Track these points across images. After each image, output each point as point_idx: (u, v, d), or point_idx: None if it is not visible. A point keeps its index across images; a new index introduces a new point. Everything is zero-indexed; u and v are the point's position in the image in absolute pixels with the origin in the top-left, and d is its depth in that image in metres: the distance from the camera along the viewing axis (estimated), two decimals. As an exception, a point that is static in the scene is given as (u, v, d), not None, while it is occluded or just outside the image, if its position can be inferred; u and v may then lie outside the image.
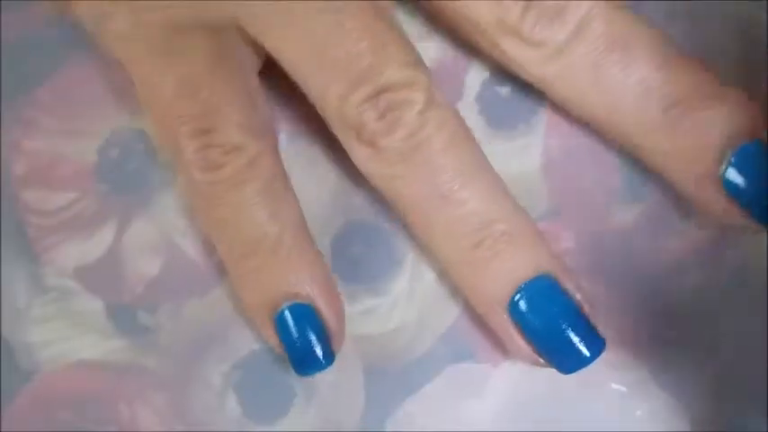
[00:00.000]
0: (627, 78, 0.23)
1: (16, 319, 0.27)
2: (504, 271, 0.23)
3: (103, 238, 0.27)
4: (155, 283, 0.27)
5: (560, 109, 0.26)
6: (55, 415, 0.26)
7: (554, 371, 0.25)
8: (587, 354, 0.23)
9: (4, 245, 0.27)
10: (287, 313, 0.24)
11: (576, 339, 0.23)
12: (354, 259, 0.26)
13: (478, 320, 0.26)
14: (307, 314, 0.24)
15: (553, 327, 0.23)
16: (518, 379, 0.26)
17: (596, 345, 0.23)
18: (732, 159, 0.23)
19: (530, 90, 0.27)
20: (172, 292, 0.27)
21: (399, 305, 0.26)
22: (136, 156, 0.27)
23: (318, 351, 0.24)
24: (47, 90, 0.28)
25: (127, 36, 0.24)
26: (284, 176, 0.25)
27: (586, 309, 0.24)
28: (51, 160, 0.27)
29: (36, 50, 0.28)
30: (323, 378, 0.26)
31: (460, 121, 0.24)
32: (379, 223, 0.27)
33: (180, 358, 0.26)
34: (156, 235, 0.27)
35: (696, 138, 0.23)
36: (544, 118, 0.27)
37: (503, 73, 0.27)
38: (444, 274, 0.26)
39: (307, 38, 0.23)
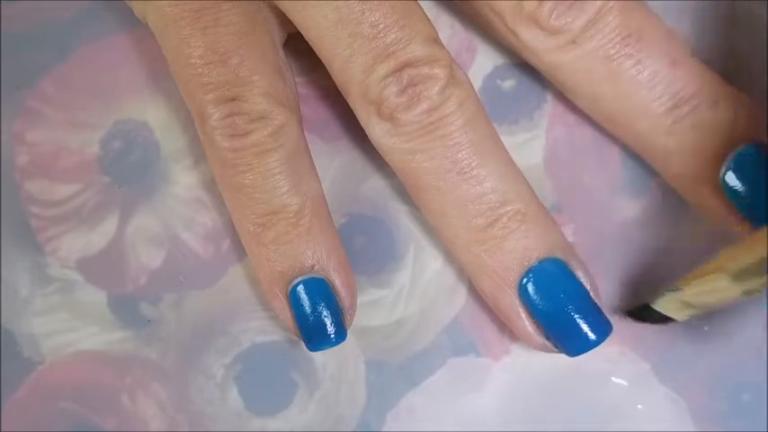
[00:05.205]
0: (638, 73, 0.23)
1: (19, 310, 0.27)
2: (517, 251, 0.23)
3: (106, 230, 0.27)
4: (157, 275, 0.27)
5: (563, 104, 0.26)
6: (57, 405, 0.26)
7: (555, 365, 0.25)
8: (594, 337, 0.23)
9: (7, 236, 0.27)
10: (302, 287, 0.24)
11: (583, 322, 0.23)
12: (357, 251, 0.26)
13: (480, 314, 0.26)
14: (322, 289, 0.24)
15: (561, 309, 0.23)
16: (519, 373, 0.26)
17: (603, 328, 0.24)
18: (732, 164, 0.23)
19: (532, 85, 0.27)
20: (174, 283, 0.27)
21: (402, 298, 0.26)
22: (138, 148, 0.27)
23: (332, 327, 0.24)
24: (50, 82, 0.28)
25: (160, 6, 0.24)
26: (307, 150, 0.25)
27: (594, 293, 0.24)
28: (54, 152, 0.27)
29: (40, 42, 0.28)
30: (325, 371, 0.26)
31: (479, 101, 0.24)
32: (380, 217, 0.27)
33: (182, 350, 0.26)
34: (159, 227, 0.27)
35: (697, 139, 0.23)
36: (546, 112, 0.27)
37: (505, 68, 0.27)
38: (452, 256, 0.26)
39: (334, 10, 0.23)
